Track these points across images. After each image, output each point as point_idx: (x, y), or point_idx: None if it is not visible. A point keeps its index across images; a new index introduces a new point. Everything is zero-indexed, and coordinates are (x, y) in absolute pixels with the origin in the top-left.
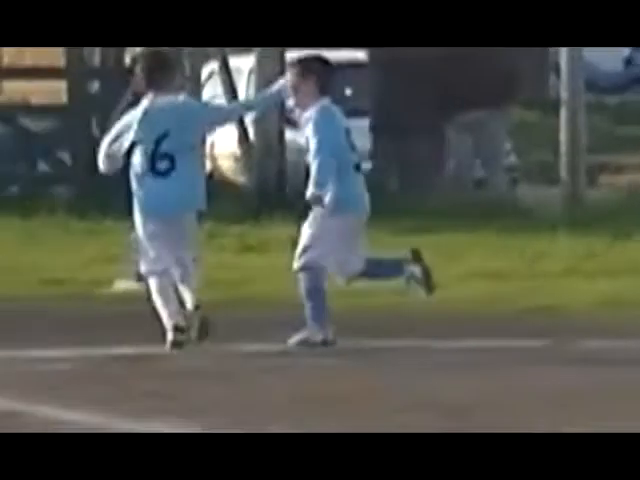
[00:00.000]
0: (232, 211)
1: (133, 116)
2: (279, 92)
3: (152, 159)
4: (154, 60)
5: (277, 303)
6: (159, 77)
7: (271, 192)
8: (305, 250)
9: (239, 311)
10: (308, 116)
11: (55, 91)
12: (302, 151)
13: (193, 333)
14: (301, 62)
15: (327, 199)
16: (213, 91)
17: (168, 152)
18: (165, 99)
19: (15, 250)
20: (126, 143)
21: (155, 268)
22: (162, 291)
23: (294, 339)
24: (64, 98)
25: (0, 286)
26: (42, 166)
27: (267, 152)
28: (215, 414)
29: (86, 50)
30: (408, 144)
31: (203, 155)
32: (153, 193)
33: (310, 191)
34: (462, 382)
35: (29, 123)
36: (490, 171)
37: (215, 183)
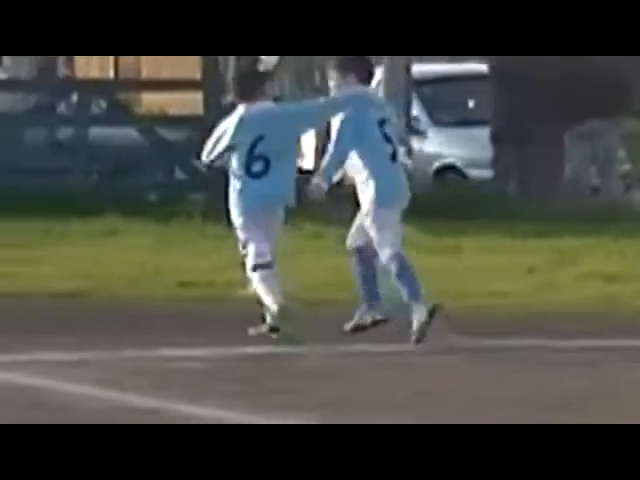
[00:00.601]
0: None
1: (229, 123)
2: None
3: (248, 161)
4: (246, 72)
5: None
6: (252, 87)
7: None
8: (381, 246)
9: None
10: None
11: (191, 102)
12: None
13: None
14: (341, 61)
15: (372, 192)
16: None
17: (263, 154)
18: (261, 105)
19: (154, 254)
20: (220, 148)
21: (257, 262)
22: (264, 280)
23: (414, 335)
24: (200, 109)
25: (140, 288)
26: (179, 174)
27: None
28: (338, 410)
29: (221, 64)
30: (528, 153)
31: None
32: (250, 192)
33: (315, 180)
34: (573, 380)
35: (166, 133)
36: (606, 178)
37: (346, 189)
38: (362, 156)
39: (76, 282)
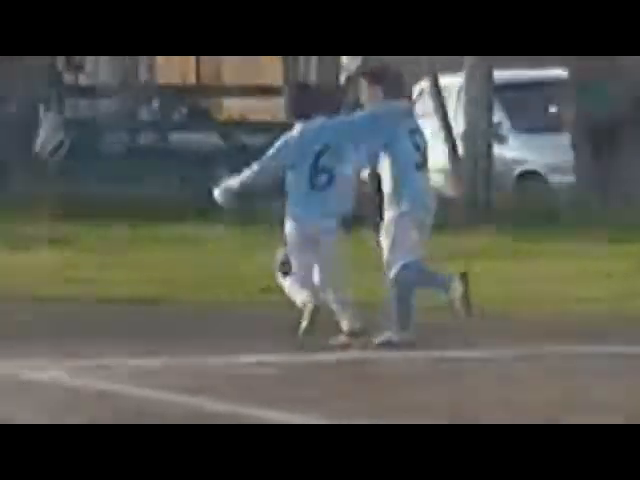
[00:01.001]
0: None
1: (289, 140)
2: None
3: (311, 175)
4: (300, 91)
5: (484, 311)
6: (304, 106)
7: (476, 204)
8: (393, 256)
9: (443, 318)
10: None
11: (273, 108)
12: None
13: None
14: (369, 72)
15: (395, 200)
16: (423, 109)
17: (326, 167)
18: (318, 120)
19: (235, 259)
20: (275, 165)
21: (286, 268)
22: (292, 285)
23: (461, 311)
24: (281, 115)
25: (222, 292)
26: None
27: (475, 166)
28: (416, 416)
29: (303, 70)
30: (610, 159)
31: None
32: (314, 205)
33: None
34: None
35: (247, 139)
36: None
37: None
38: (389, 165)
39: (157, 287)
